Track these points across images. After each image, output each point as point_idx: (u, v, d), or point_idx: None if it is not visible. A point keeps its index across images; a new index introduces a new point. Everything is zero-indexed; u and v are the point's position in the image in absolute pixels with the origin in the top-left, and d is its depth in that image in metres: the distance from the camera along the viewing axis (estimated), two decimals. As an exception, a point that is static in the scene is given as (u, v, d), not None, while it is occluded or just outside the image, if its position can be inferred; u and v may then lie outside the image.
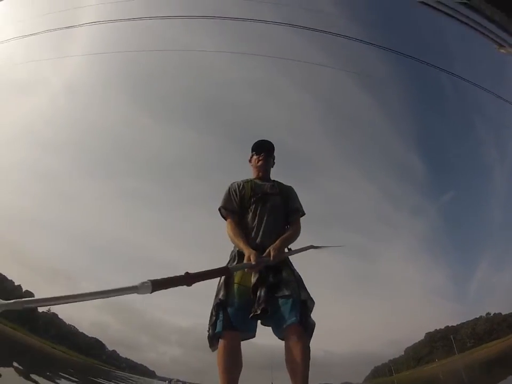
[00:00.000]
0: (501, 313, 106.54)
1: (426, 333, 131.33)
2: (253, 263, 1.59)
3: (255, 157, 2.34)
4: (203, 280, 1.40)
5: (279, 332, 1.68)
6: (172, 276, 1.31)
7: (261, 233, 1.93)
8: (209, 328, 1.70)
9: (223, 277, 1.82)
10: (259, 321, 1.75)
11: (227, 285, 1.78)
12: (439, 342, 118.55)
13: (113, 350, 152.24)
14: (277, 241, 1.80)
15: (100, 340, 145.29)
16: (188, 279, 1.34)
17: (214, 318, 1.69)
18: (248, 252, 1.70)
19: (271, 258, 1.64)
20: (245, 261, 1.66)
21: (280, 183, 2.30)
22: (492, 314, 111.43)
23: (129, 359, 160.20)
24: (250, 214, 2.02)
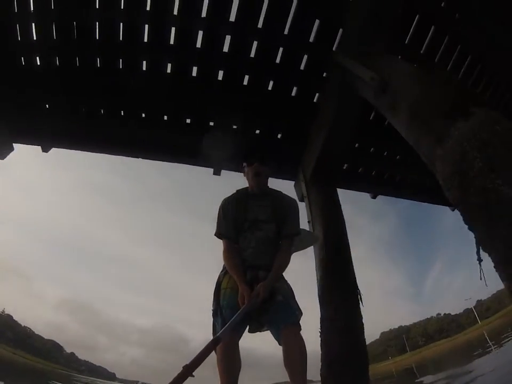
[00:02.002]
0: (450, 314, 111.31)
1: (381, 333, 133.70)
2: (246, 308, 1.51)
3: (246, 168, 1.94)
4: (201, 362, 1.30)
5: (277, 335, 1.59)
6: (172, 379, 1.20)
7: (255, 255, 1.78)
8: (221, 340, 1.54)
9: (214, 290, 1.77)
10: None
11: (216, 295, 1.74)
12: (393, 341, 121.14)
13: (71, 352, 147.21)
14: (267, 280, 1.62)
15: (57, 342, 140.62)
16: (189, 371, 1.24)
17: (215, 326, 1.62)
18: (241, 289, 1.59)
19: (260, 298, 1.54)
20: (239, 296, 1.58)
21: (279, 198, 1.93)
22: (442, 315, 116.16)
23: (88, 361, 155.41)
24: (244, 237, 1.82)
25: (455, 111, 1.10)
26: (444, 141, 1.11)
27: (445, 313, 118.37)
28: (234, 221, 1.85)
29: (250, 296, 1.55)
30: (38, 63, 2.60)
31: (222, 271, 1.83)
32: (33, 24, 2.41)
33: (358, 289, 2.13)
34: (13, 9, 2.30)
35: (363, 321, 2.03)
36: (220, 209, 1.91)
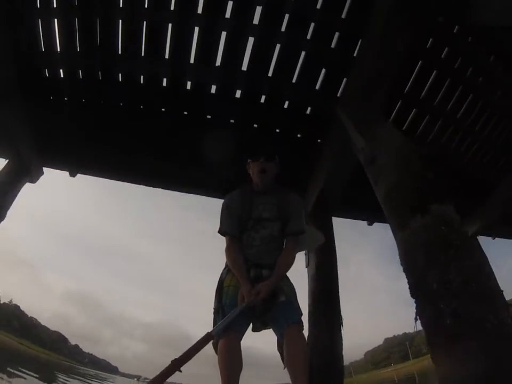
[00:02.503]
0: None
1: (385, 338, 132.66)
2: (244, 305, 1.51)
3: (251, 164, 1.91)
4: (191, 358, 1.28)
5: (280, 334, 1.57)
6: (160, 371, 1.24)
7: (258, 254, 1.75)
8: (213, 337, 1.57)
9: (216, 288, 1.75)
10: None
11: (218, 292, 1.71)
12: (396, 348, 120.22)
13: (75, 344, 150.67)
14: (270, 279, 1.61)
15: (63, 333, 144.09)
16: (177, 365, 1.25)
17: (216, 324, 1.58)
18: (242, 287, 1.58)
19: (261, 297, 1.51)
20: (239, 296, 1.58)
21: (284, 195, 1.88)
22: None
23: (92, 354, 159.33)
24: (247, 235, 1.80)
25: (418, 205, 1.36)
26: (405, 229, 1.38)
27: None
28: (238, 218, 1.82)
29: (249, 294, 1.54)
30: (66, 98, 2.88)
31: (224, 269, 1.82)
32: (61, 70, 2.70)
33: (341, 316, 2.46)
34: (41, 49, 2.57)
35: (343, 343, 2.39)
36: (223, 206, 1.89)
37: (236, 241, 1.79)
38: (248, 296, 1.53)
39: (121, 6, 2.37)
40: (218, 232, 1.84)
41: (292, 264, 1.77)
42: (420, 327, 1.29)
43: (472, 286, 1.11)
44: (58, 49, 2.59)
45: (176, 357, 1.28)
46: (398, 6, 1.94)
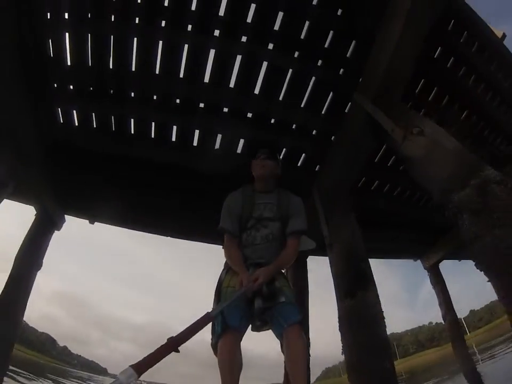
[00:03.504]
0: (442, 323, 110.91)
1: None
2: (243, 290, 1.51)
3: (253, 162, 1.95)
4: (189, 338, 1.14)
5: (280, 334, 1.57)
6: (154, 349, 1.04)
7: (259, 253, 1.78)
8: (212, 338, 1.58)
9: (215, 289, 1.77)
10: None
11: (217, 294, 1.74)
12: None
13: (64, 346, 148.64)
14: (269, 267, 1.63)
15: (51, 335, 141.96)
16: (174, 345, 1.08)
17: (214, 325, 1.57)
18: (242, 275, 1.59)
19: (259, 282, 1.53)
20: (237, 281, 1.59)
21: (284, 195, 1.92)
22: (434, 324, 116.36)
23: (81, 355, 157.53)
24: (248, 234, 1.82)
25: (349, 291, 2.09)
26: (341, 304, 2.13)
27: (436, 322, 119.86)
28: (239, 217, 1.85)
29: (248, 279, 1.55)
30: (83, 165, 3.18)
31: (223, 270, 1.83)
32: (79, 143, 2.98)
33: (309, 339, 2.97)
34: (59, 121, 2.85)
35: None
36: (225, 204, 1.91)
37: (234, 239, 1.83)
38: (246, 282, 1.55)
39: (132, 95, 2.68)
40: (218, 229, 1.88)
41: (292, 260, 1.82)
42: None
43: (369, 344, 1.86)
44: (76, 124, 2.84)
45: (173, 335, 1.15)
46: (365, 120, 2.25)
